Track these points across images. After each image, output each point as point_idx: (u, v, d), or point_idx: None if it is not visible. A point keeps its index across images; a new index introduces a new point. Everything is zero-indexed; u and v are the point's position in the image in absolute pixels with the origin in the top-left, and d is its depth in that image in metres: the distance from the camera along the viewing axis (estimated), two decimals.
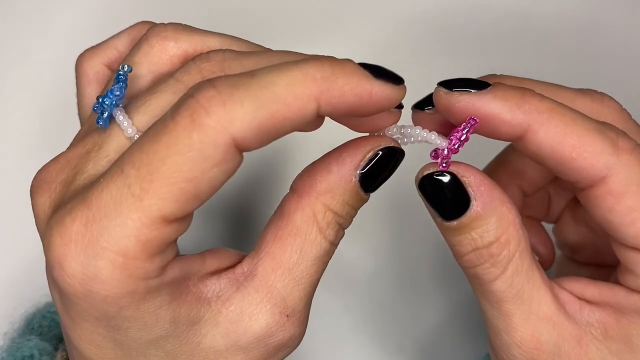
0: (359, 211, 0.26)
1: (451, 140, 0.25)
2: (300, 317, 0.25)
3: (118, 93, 0.23)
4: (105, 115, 0.23)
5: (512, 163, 0.31)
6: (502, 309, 0.25)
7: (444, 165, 0.25)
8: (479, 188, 0.24)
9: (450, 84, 0.25)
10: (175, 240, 0.23)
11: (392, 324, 0.42)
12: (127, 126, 0.23)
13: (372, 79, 0.23)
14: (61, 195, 0.23)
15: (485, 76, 0.27)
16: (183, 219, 0.22)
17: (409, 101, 0.26)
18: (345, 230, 0.26)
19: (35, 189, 0.24)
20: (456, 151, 0.25)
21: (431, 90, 0.26)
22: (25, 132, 0.44)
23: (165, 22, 0.27)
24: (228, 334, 0.24)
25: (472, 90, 0.24)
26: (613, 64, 0.44)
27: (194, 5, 0.45)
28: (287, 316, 0.25)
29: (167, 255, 0.22)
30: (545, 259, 0.33)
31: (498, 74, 0.27)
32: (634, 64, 0.44)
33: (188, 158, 0.20)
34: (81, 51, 0.31)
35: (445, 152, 0.25)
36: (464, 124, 0.24)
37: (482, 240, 0.24)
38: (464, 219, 0.24)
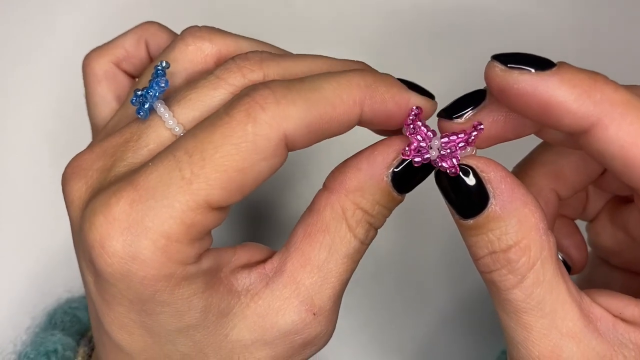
0: None
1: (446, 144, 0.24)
2: (328, 316, 0.25)
3: (163, 85, 0.24)
4: (147, 106, 0.24)
5: (548, 163, 0.28)
6: (520, 320, 0.23)
7: (417, 161, 0.24)
8: (499, 186, 0.23)
9: (507, 59, 0.22)
10: (211, 230, 0.23)
11: (392, 323, 0.42)
12: (168, 118, 0.24)
13: (409, 90, 0.25)
14: (99, 182, 0.24)
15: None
16: (224, 209, 0.23)
17: None
18: None
19: (69, 176, 0.24)
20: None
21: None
22: (42, 132, 0.44)
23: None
24: (255, 328, 0.24)
25: (533, 70, 0.21)
26: (615, 67, 0.44)
27: (192, 5, 0.46)
28: (314, 314, 0.25)
29: (204, 243, 0.23)
30: (576, 263, 0.30)
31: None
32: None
33: (241, 148, 0.21)
34: (87, 51, 0.31)
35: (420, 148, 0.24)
36: (469, 131, 0.23)
37: (499, 243, 0.23)
38: (481, 218, 0.23)
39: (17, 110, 0.44)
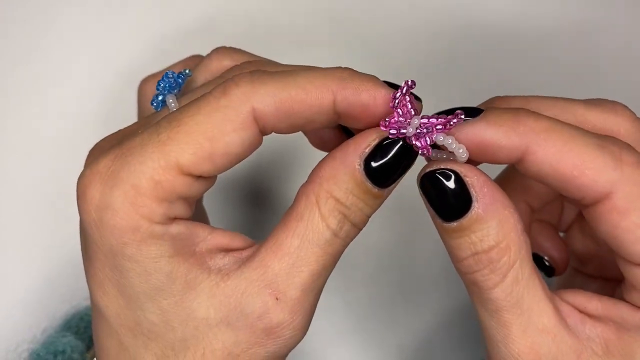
0: None
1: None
2: (293, 305, 0.25)
3: (171, 77, 0.27)
4: (160, 98, 0.27)
5: (517, 179, 0.30)
6: (501, 318, 0.24)
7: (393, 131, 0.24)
8: (481, 189, 0.24)
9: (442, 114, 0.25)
10: (187, 201, 0.25)
11: (392, 323, 0.41)
12: (174, 106, 0.27)
13: (387, 86, 0.25)
14: None
15: (490, 99, 0.27)
16: (196, 180, 0.24)
17: None
18: None
19: (89, 154, 0.28)
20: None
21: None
22: (67, 140, 0.45)
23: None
24: (220, 308, 0.25)
25: (467, 119, 0.24)
26: (615, 76, 0.43)
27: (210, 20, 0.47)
28: (277, 299, 0.25)
29: (175, 208, 0.24)
30: (558, 263, 0.31)
31: (501, 94, 0.27)
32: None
33: (212, 118, 0.24)
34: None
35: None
36: (449, 117, 0.24)
37: (481, 244, 0.24)
38: (465, 220, 0.24)
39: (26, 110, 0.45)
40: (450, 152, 0.24)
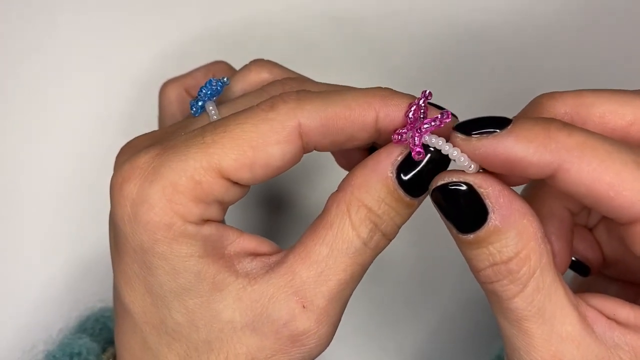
0: None
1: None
2: (320, 314, 0.25)
3: (214, 84, 0.28)
4: (200, 103, 0.28)
5: None
6: (522, 327, 0.24)
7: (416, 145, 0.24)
8: (497, 200, 0.23)
9: (467, 127, 0.24)
10: (221, 205, 0.26)
11: (392, 324, 0.42)
12: (214, 113, 0.28)
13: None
14: None
15: (536, 98, 0.26)
16: (233, 186, 0.25)
17: None
18: None
19: (120, 152, 0.28)
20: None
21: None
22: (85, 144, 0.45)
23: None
24: (247, 312, 0.25)
25: (495, 130, 0.23)
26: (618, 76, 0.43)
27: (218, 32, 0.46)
28: (304, 307, 0.25)
29: (210, 210, 0.25)
30: (593, 263, 0.31)
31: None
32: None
33: (258, 128, 0.25)
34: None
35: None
36: (440, 117, 0.24)
37: (500, 255, 0.23)
38: (481, 232, 0.23)
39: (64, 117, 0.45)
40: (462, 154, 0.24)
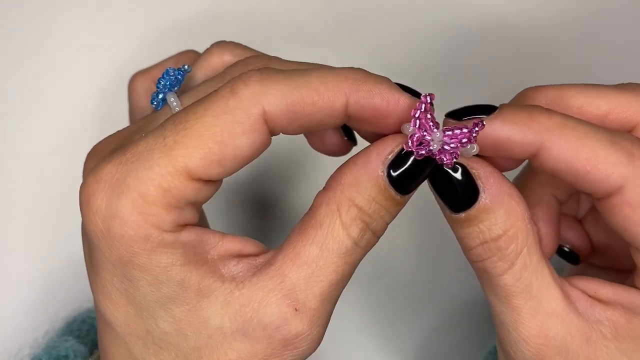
0: None
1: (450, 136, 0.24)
2: (312, 316, 0.24)
3: (172, 74, 0.27)
4: (160, 96, 0.27)
5: (542, 172, 0.30)
6: (510, 303, 0.25)
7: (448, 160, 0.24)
8: (488, 180, 0.25)
9: (458, 114, 0.25)
10: (195, 206, 0.24)
11: (392, 323, 0.42)
12: (176, 105, 0.27)
13: (401, 90, 0.25)
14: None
15: (522, 92, 0.27)
16: (205, 184, 0.24)
17: None
18: None
19: (87, 158, 0.27)
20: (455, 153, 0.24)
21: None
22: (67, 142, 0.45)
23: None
24: (236, 317, 0.24)
25: (483, 116, 0.25)
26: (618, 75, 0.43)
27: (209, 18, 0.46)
28: (296, 310, 0.24)
29: (185, 214, 0.24)
30: (582, 251, 0.32)
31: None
32: None
33: (220, 120, 0.23)
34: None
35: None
36: (470, 127, 0.24)
37: (490, 233, 0.25)
38: (472, 211, 0.24)
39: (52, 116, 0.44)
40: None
